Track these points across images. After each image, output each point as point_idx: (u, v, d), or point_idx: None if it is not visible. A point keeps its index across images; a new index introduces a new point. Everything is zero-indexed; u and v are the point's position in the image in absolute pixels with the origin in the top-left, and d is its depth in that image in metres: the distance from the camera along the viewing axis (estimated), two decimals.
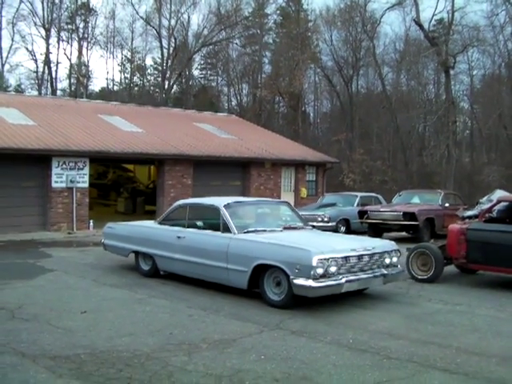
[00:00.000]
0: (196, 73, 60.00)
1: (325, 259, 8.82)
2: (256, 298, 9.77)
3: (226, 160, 26.40)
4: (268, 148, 29.14)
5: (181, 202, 12.70)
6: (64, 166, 21.11)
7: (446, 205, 20.33)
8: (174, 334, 7.66)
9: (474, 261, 11.77)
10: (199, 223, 11.47)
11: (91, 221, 21.83)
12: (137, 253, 12.37)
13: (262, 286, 9.56)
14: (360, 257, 9.40)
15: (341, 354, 6.97)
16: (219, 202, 11.08)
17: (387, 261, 9.94)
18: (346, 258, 9.17)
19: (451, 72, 39.23)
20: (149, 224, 12.90)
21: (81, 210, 21.71)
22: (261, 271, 9.52)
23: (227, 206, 10.77)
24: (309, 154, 31.36)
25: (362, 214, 20.36)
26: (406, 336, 7.84)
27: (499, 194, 13.54)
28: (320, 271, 8.74)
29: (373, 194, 25.39)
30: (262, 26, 53.91)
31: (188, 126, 30.03)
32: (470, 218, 12.96)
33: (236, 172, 27.38)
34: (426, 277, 12.11)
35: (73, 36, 53.02)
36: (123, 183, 33.74)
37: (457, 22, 39.09)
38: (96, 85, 73.16)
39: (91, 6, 53.98)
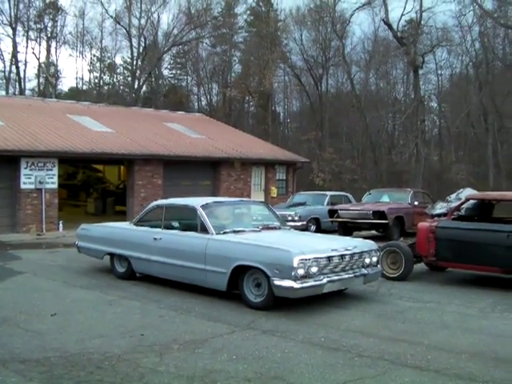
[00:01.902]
0: (166, 72, 59.80)
1: (306, 259, 8.74)
2: (227, 298, 9.77)
3: (196, 160, 26.36)
4: (238, 147, 29.14)
5: (157, 202, 12.57)
6: (33, 166, 20.91)
7: (415, 203, 20.46)
8: (145, 335, 7.62)
9: (443, 258, 11.89)
10: (176, 224, 11.36)
11: (61, 222, 21.66)
12: (112, 255, 12.19)
13: (242, 287, 9.45)
14: (341, 257, 9.33)
15: (313, 353, 6.99)
16: (196, 202, 10.98)
17: (367, 260, 9.91)
18: (327, 258, 9.10)
19: (420, 71, 39.61)
20: (124, 225, 12.75)
21: (50, 211, 21.52)
22: (240, 272, 9.41)
23: (204, 207, 10.66)
24: (279, 154, 31.44)
25: (332, 212, 20.43)
26: (377, 334, 7.89)
27: (468, 192, 13.67)
28: (301, 272, 8.66)
29: (343, 193, 25.56)
30: (231, 26, 53.87)
31: (158, 126, 29.92)
32: (438, 216, 13.07)
33: (206, 172, 27.34)
34: (396, 275, 12.20)
35: (41, 35, 52.46)
36: (93, 184, 33.50)
37: (425, 22, 39.55)
38: (65, 84, 72.94)
39: (59, 4, 53.36)
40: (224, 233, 10.22)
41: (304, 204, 22.95)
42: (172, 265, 10.55)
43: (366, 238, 12.32)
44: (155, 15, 52.18)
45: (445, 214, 12.73)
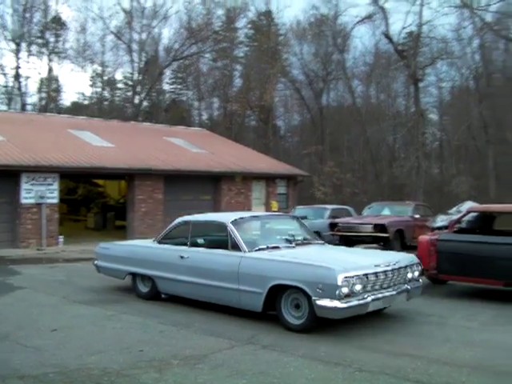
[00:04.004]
0: (167, 87, 59.87)
1: (350, 277, 8.28)
2: (228, 312, 9.72)
3: (197, 174, 26.35)
4: (239, 162, 29.15)
5: (183, 218, 11.71)
6: (33, 181, 20.91)
7: (417, 216, 20.41)
8: (145, 351, 7.58)
9: (444, 271, 11.84)
10: (204, 241, 10.79)
11: (61, 237, 21.60)
12: (134, 274, 11.63)
13: (279, 308, 8.95)
14: (385, 272, 8.91)
15: (314, 368, 6.95)
16: (225, 217, 10.49)
17: (409, 275, 9.48)
18: (371, 275, 8.67)
19: (420, 84, 39.68)
20: (147, 243, 12.03)
21: (50, 226, 21.47)
22: (277, 292, 8.94)
23: (234, 223, 10.10)
24: (279, 167, 31.44)
25: (332, 226, 20.37)
26: (378, 348, 7.84)
27: (468, 205, 13.67)
28: (345, 290, 8.20)
29: (343, 207, 25.47)
30: (232, 40, 53.98)
31: (159, 141, 29.96)
32: (439, 228, 13.05)
33: (207, 186, 27.31)
34: None
35: (43, 50, 52.55)
36: (93, 198, 33.50)
37: (425, 34, 39.54)
38: (66, 99, 72.65)
39: (62, 20, 53.52)
40: (257, 250, 9.72)
41: (305, 218, 22.86)
42: (201, 285, 10.04)
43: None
44: (156, 30, 52.39)
45: (446, 227, 12.72)
